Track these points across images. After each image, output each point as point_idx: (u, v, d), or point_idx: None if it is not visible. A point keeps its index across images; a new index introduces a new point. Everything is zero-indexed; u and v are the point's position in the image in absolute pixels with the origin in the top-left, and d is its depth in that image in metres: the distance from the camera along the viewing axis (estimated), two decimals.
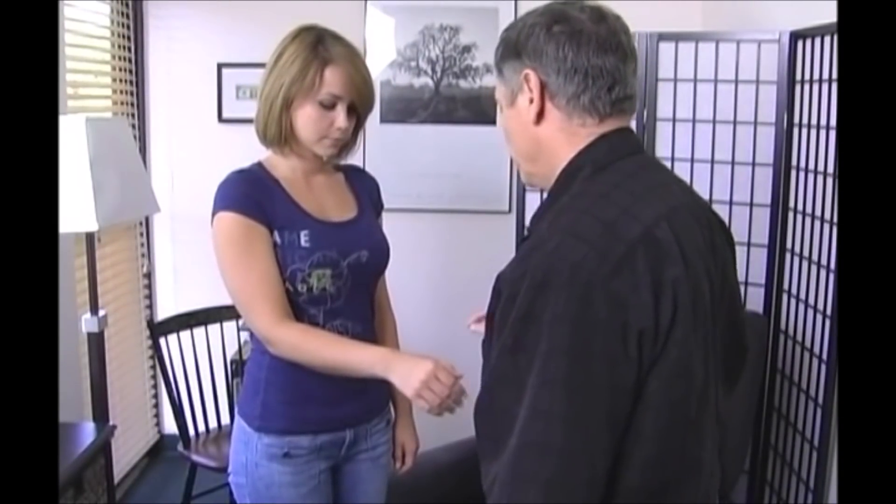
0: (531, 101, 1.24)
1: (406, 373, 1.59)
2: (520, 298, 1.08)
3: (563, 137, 1.24)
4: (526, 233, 1.31)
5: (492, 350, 1.15)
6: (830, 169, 2.39)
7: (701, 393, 1.16)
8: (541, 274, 1.07)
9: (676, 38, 2.84)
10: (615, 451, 1.09)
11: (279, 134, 1.77)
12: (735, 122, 2.81)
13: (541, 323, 1.06)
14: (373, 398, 1.90)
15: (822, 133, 2.45)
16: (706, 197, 2.49)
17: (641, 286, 1.07)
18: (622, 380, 1.07)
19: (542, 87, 1.22)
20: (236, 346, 3.36)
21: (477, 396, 1.17)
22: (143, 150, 3.70)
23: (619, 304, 1.05)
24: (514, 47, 1.25)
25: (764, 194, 2.75)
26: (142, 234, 3.78)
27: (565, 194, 1.21)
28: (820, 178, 2.46)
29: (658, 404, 1.10)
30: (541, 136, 1.26)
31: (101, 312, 2.63)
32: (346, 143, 1.85)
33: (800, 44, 2.61)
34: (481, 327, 1.60)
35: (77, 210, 2.35)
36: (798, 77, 2.63)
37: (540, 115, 1.24)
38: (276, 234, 1.73)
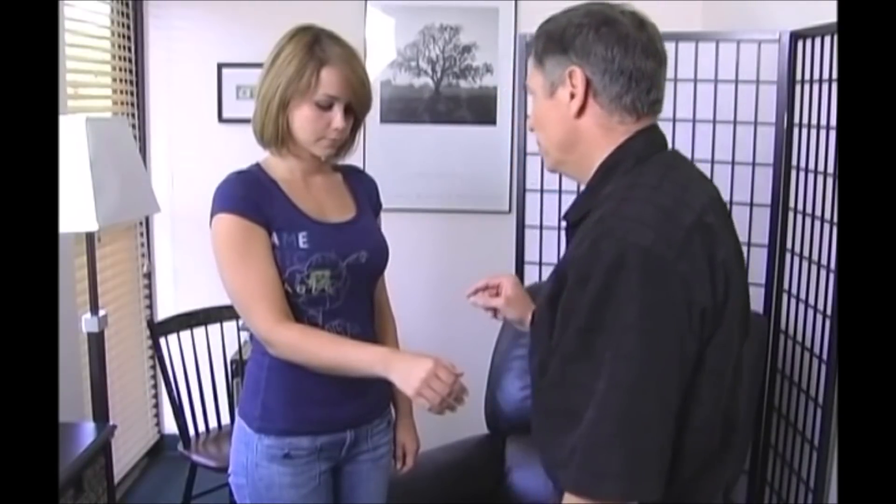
0: (572, 95, 1.32)
1: (406, 371, 1.59)
2: (593, 281, 1.17)
3: (602, 132, 1.34)
4: (567, 223, 1.41)
5: (553, 330, 1.24)
6: (830, 169, 2.39)
7: (735, 359, 1.31)
8: (615, 257, 1.16)
9: (676, 38, 2.84)
10: (680, 416, 1.21)
11: (276, 135, 1.77)
12: (735, 122, 2.81)
13: (617, 302, 1.15)
14: (373, 399, 1.90)
15: (823, 133, 2.44)
16: None
17: (700, 268, 1.20)
18: (688, 352, 1.20)
19: (587, 84, 1.31)
20: (236, 346, 3.36)
21: (544, 375, 1.26)
22: (143, 150, 3.70)
23: (685, 285, 1.17)
24: (559, 42, 1.33)
25: (764, 194, 2.75)
26: (142, 234, 3.78)
27: (608, 185, 1.31)
28: (820, 178, 2.46)
29: (713, 371, 1.24)
30: (580, 128, 1.35)
31: (102, 312, 2.63)
32: (344, 144, 1.85)
33: (800, 44, 2.61)
34: (481, 299, 1.80)
35: (77, 210, 2.35)
36: (798, 77, 2.63)
37: (581, 110, 1.33)
38: (274, 235, 1.73)
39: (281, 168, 1.82)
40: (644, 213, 1.21)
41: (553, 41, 1.34)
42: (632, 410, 1.16)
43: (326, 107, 1.74)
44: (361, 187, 1.95)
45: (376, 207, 1.98)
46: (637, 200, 1.23)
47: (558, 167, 1.44)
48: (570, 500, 1.21)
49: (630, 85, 1.31)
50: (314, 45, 1.73)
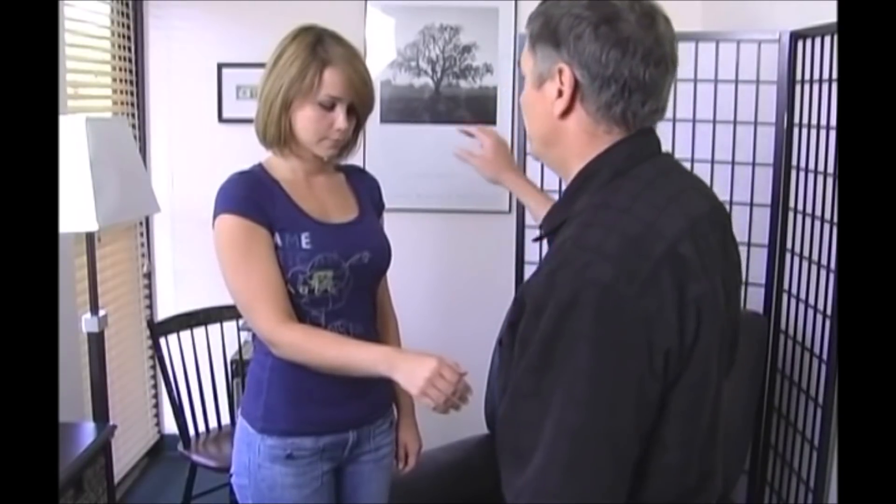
0: (559, 93, 1.19)
1: (410, 371, 1.59)
2: (546, 315, 1.07)
3: (585, 138, 1.21)
4: (541, 231, 1.31)
5: (511, 359, 1.14)
6: (831, 169, 2.39)
7: (713, 398, 1.19)
8: (569, 294, 1.05)
9: (676, 37, 2.84)
10: (639, 464, 1.11)
11: (279, 135, 1.77)
12: (735, 122, 2.81)
13: (568, 342, 1.05)
14: (376, 399, 1.90)
15: (823, 133, 2.44)
16: None
17: (667, 306, 1.07)
18: (648, 396, 1.08)
19: (575, 86, 1.18)
20: (236, 346, 3.36)
21: (500, 406, 1.16)
22: (143, 150, 3.70)
23: (645, 325, 1.05)
24: (553, 33, 1.18)
25: (764, 194, 2.75)
26: (142, 234, 3.78)
27: (583, 195, 1.20)
28: (820, 178, 2.46)
29: (680, 415, 1.12)
30: (562, 129, 1.22)
31: (102, 312, 2.63)
32: (347, 144, 1.85)
33: (800, 44, 2.61)
34: (462, 153, 1.93)
35: (77, 210, 2.35)
36: (798, 77, 2.63)
37: (566, 112, 1.20)
38: (277, 235, 1.73)
39: (283, 168, 1.82)
40: (607, 242, 1.08)
41: (548, 28, 1.19)
42: (580, 458, 1.06)
43: (329, 107, 1.74)
44: (364, 187, 1.95)
45: (379, 207, 1.98)
46: (601, 227, 1.11)
47: (540, 157, 1.35)
48: None
49: (622, 95, 1.16)
50: (317, 45, 1.73)
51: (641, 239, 1.09)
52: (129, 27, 3.62)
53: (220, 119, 3.72)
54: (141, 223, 3.74)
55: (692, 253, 1.12)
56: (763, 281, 2.77)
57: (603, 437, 1.06)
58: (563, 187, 1.29)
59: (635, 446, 1.09)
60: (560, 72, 1.18)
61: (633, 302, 1.05)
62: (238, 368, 3.30)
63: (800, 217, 2.61)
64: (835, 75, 2.33)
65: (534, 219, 2.02)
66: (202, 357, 3.16)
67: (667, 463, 1.14)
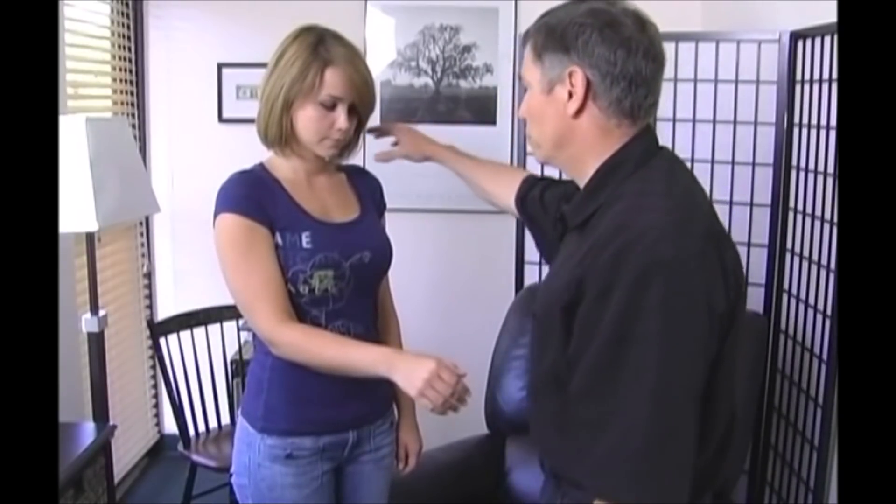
0: (570, 95, 1.32)
1: (409, 372, 1.59)
2: (617, 294, 1.19)
3: (598, 134, 1.35)
4: (564, 223, 1.45)
5: (570, 339, 1.28)
6: (830, 169, 2.39)
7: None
8: (639, 272, 1.18)
9: (676, 38, 2.84)
10: (701, 418, 1.25)
11: (280, 135, 1.77)
12: (735, 122, 2.81)
13: (643, 314, 1.18)
14: (376, 399, 1.90)
15: (823, 133, 2.45)
16: None
17: (716, 275, 1.23)
18: (710, 356, 1.24)
19: (587, 86, 1.31)
20: (236, 346, 3.36)
21: (558, 385, 1.31)
22: (143, 149, 3.70)
23: (705, 294, 1.21)
24: (560, 40, 1.32)
25: (764, 194, 2.75)
26: (142, 234, 3.78)
27: (606, 188, 1.34)
28: (820, 178, 2.46)
29: (727, 368, 1.30)
30: (575, 128, 1.35)
31: (102, 312, 2.63)
32: (348, 144, 1.85)
33: (800, 44, 2.61)
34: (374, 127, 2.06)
35: (77, 210, 2.35)
36: (798, 77, 2.63)
37: (579, 111, 1.33)
38: (277, 235, 1.73)
39: (284, 168, 1.82)
40: (662, 224, 1.22)
41: (554, 37, 1.33)
42: (659, 420, 1.19)
43: (330, 107, 1.74)
44: (365, 187, 1.95)
45: (380, 207, 1.98)
46: (652, 211, 1.25)
47: (549, 160, 1.46)
48: None
49: (630, 89, 1.31)
50: (318, 45, 1.73)
51: (687, 220, 1.26)
52: (129, 27, 3.62)
53: (221, 119, 3.72)
54: (141, 223, 3.74)
55: (720, 228, 1.32)
56: (763, 281, 2.77)
57: (679, 397, 1.21)
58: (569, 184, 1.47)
59: (700, 405, 1.24)
60: (571, 74, 1.31)
61: (693, 274, 1.20)
62: (238, 368, 3.30)
63: (800, 217, 2.61)
64: (835, 75, 2.33)
65: (475, 187, 2.03)
66: (202, 357, 3.16)
67: (718, 412, 1.31)
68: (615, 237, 1.23)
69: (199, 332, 3.18)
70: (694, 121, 2.85)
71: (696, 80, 2.84)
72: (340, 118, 1.75)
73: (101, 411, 2.66)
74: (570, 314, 1.28)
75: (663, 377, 1.19)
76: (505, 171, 2.07)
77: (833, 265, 2.37)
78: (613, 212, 1.29)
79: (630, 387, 1.20)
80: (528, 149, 1.43)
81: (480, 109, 3.66)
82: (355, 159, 1.97)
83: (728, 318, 1.26)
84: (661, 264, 1.18)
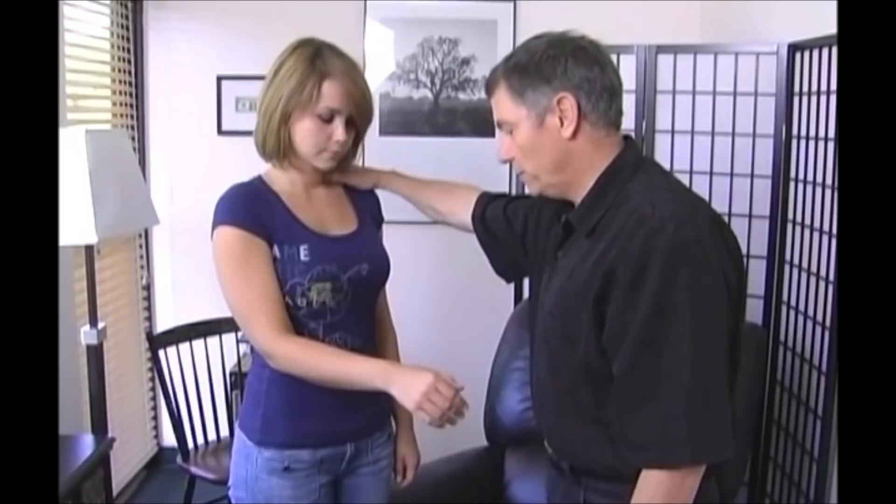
0: (562, 121, 1.44)
1: (406, 385, 1.59)
2: (651, 274, 1.33)
3: (593, 148, 1.48)
4: (571, 226, 1.53)
5: (603, 326, 1.41)
6: (829, 180, 2.39)
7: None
8: (668, 253, 1.33)
9: (675, 50, 2.85)
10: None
11: (278, 147, 1.77)
12: (734, 134, 2.82)
13: (675, 292, 1.33)
14: (374, 412, 1.89)
15: (821, 145, 2.45)
16: None
17: (725, 254, 1.40)
18: (729, 327, 1.41)
19: (579, 108, 1.44)
20: (235, 359, 3.35)
21: (617, 364, 1.40)
22: (143, 162, 3.70)
23: (721, 270, 1.38)
24: (537, 74, 1.44)
25: (763, 206, 2.76)
26: (141, 246, 3.78)
27: (609, 192, 1.46)
28: (819, 190, 2.46)
29: (737, 342, 1.45)
30: (573, 149, 1.47)
31: (101, 324, 2.63)
32: (345, 156, 1.85)
33: (798, 56, 2.62)
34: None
35: (76, 222, 2.35)
36: (796, 89, 2.64)
37: (575, 133, 1.45)
38: (275, 248, 1.73)
39: (282, 180, 1.82)
40: (679, 212, 1.37)
41: (529, 74, 1.45)
42: (701, 385, 1.35)
43: (328, 119, 1.74)
44: (363, 200, 1.95)
45: (378, 220, 1.98)
46: (665, 203, 1.39)
47: (546, 189, 1.55)
48: (650, 474, 1.39)
49: (612, 99, 1.46)
50: (316, 58, 1.74)
51: (694, 208, 1.43)
52: (129, 39, 3.63)
53: (220, 131, 3.72)
54: (140, 235, 3.74)
55: (718, 214, 1.47)
56: (762, 293, 2.77)
57: (715, 363, 1.38)
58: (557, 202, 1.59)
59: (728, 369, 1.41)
60: (560, 101, 1.43)
61: (710, 253, 1.36)
62: (237, 380, 3.30)
63: (798, 228, 2.61)
64: (833, 87, 2.34)
65: (424, 208, 2.06)
66: (201, 369, 3.16)
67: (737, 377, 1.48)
68: (639, 228, 1.36)
69: (199, 344, 3.17)
70: (693, 132, 2.86)
71: (694, 93, 2.84)
72: (338, 130, 1.75)
73: (99, 423, 2.66)
74: (600, 305, 1.40)
75: (699, 347, 1.34)
76: (456, 189, 2.05)
77: (832, 277, 2.37)
78: (627, 209, 1.41)
79: (672, 358, 1.34)
80: (530, 186, 1.52)
81: (479, 122, 3.66)
82: None
83: (739, 292, 1.44)
84: (685, 247, 1.33)
